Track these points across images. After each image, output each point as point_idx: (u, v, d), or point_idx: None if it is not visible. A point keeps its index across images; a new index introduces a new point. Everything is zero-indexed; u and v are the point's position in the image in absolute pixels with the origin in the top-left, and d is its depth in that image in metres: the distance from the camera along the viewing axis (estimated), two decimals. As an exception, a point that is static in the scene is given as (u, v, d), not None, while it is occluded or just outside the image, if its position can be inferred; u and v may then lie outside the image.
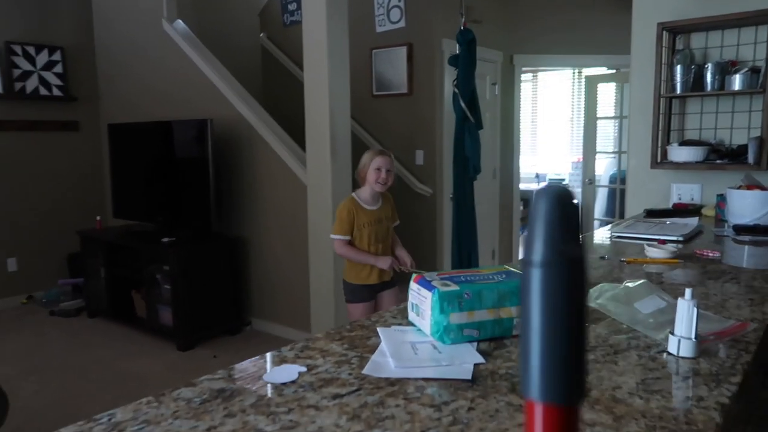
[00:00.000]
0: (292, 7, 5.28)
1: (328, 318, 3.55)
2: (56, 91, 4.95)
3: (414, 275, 1.12)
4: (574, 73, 7.66)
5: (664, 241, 1.85)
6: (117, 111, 5.04)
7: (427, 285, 1.06)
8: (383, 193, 2.72)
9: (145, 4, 4.64)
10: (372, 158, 2.64)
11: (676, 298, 0.99)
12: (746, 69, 2.42)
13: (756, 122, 2.47)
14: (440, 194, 4.47)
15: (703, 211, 2.53)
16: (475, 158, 3.65)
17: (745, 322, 1.11)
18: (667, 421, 0.75)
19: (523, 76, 6.15)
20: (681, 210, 2.56)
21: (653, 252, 1.70)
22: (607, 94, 5.66)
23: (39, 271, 4.88)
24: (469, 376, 0.88)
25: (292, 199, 3.82)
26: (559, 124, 7.78)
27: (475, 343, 1.02)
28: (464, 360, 0.95)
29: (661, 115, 2.63)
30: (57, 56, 4.94)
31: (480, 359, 0.95)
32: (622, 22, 3.05)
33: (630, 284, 1.22)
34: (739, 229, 2.11)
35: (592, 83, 5.59)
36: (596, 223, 5.70)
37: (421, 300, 1.06)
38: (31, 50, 4.79)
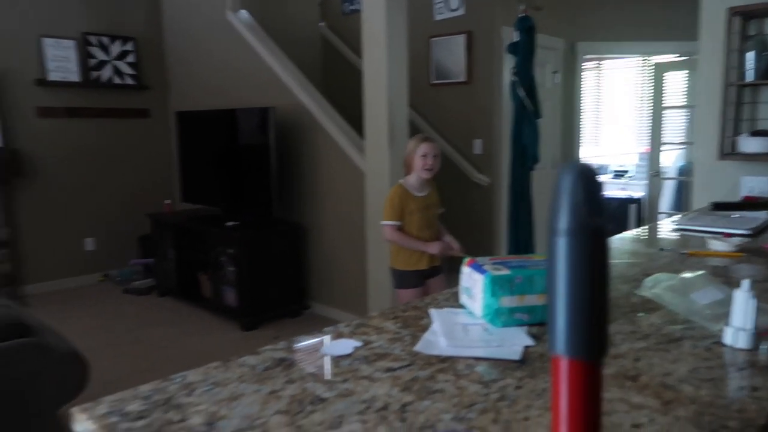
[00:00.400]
0: (352, -4, 5.34)
1: (385, 303, 3.61)
2: (129, 80, 5.20)
3: (466, 259, 1.15)
4: (642, 60, 7.38)
5: (729, 235, 1.80)
6: (184, 99, 5.26)
7: (479, 269, 1.08)
8: (430, 181, 2.75)
9: (212, -4, 4.80)
10: (417, 145, 2.66)
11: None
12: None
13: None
14: (498, 184, 4.44)
15: (775, 204, 2.42)
16: (533, 148, 3.61)
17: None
18: (717, 408, 0.75)
19: (586, 64, 5.99)
20: (750, 203, 2.46)
21: (716, 245, 1.65)
22: (676, 83, 5.44)
23: (113, 251, 5.18)
24: (518, 357, 0.91)
25: (351, 186, 3.89)
26: (625, 113, 7.53)
27: (526, 327, 1.04)
28: (514, 342, 0.97)
29: (730, 104, 2.53)
30: (129, 46, 5.18)
31: (530, 342, 0.97)
32: (692, 6, 2.94)
33: (687, 275, 1.21)
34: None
35: (659, 71, 5.38)
36: (662, 216, 5.51)
37: (473, 283, 1.09)
38: (106, 41, 5.05)
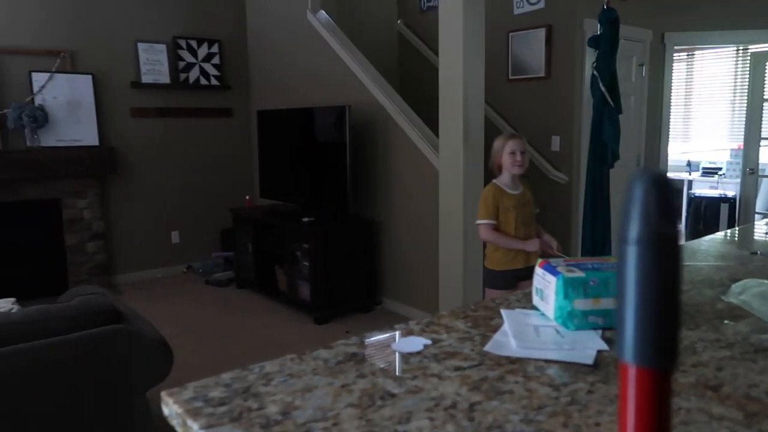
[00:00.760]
0: (429, -8, 5.33)
1: (456, 302, 3.60)
2: (214, 81, 5.44)
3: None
4: (737, 50, 6.92)
5: (831, 238, 1.66)
6: (265, 98, 5.44)
7: (552, 270, 1.07)
8: (522, 179, 2.71)
9: (292, -2, 4.94)
10: (504, 143, 2.64)
11: (833, 298, 0.91)
12: None
13: None
14: (576, 182, 4.31)
15: None
16: (613, 144, 3.48)
17: None
18: (808, 424, 0.70)
19: (676, 56, 5.68)
20: None
21: (816, 249, 1.54)
22: (776, 74, 5.06)
23: (197, 244, 5.45)
24: (590, 361, 0.89)
25: (424, 183, 3.90)
26: (717, 107, 7.08)
27: (600, 331, 1.01)
28: (587, 346, 0.95)
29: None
30: (215, 49, 5.42)
31: (603, 346, 0.95)
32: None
33: (780, 281, 1.14)
34: None
35: (758, 61, 5.03)
36: (758, 217, 5.16)
37: (546, 285, 1.07)
38: (194, 44, 5.31)
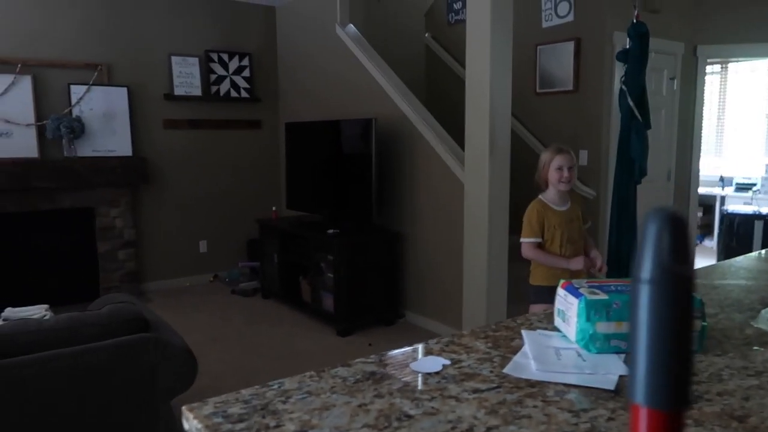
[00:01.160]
0: (457, 6, 5.35)
1: (480, 317, 3.57)
2: (244, 93, 5.53)
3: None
4: (773, 63, 6.77)
5: None
6: (293, 110, 5.51)
7: (574, 292, 1.06)
8: (570, 194, 2.62)
9: (321, 12, 5.01)
10: (552, 158, 2.53)
11: None
12: None
13: None
14: (604, 197, 4.26)
15: None
16: (641, 160, 3.43)
17: None
18: (837, 460, 0.68)
19: (709, 68, 5.59)
20: None
21: None
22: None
23: (223, 253, 5.52)
24: (612, 387, 0.88)
25: (449, 196, 3.89)
26: (752, 121, 6.93)
27: (623, 355, 1.00)
28: (609, 370, 0.94)
29: None
30: (245, 62, 5.52)
31: (625, 371, 0.93)
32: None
33: (812, 307, 1.10)
34: None
35: (794, 75, 4.91)
36: (792, 234, 5.02)
37: (568, 306, 1.06)
38: (225, 57, 5.41)
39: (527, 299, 2.67)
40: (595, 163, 4.30)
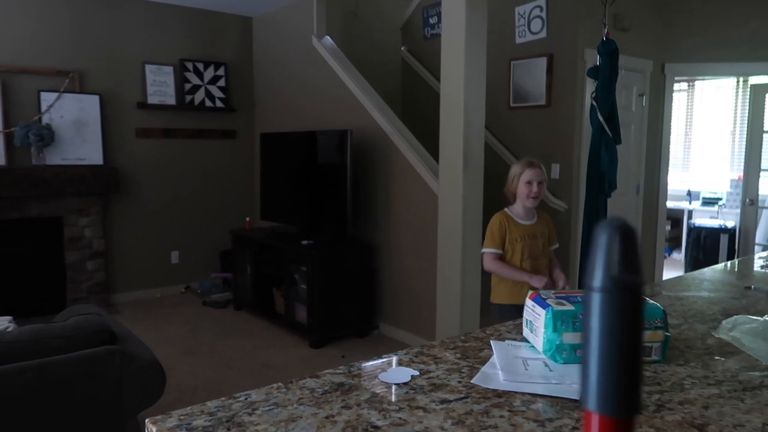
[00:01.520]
0: (433, 20, 5.41)
1: (454, 328, 3.58)
2: (219, 103, 5.50)
3: (530, 292, 1.14)
4: (738, 81, 7.00)
5: (826, 274, 1.66)
6: (269, 121, 5.49)
7: (542, 303, 1.07)
8: (540, 211, 2.58)
9: (298, 23, 5.02)
10: (522, 171, 2.48)
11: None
12: None
13: None
14: (575, 210, 4.32)
15: None
16: (611, 174, 3.49)
17: None
18: (792, 466, 0.70)
19: (676, 86, 5.74)
20: None
21: (810, 285, 1.53)
22: (776, 106, 5.10)
23: (196, 264, 5.45)
24: (578, 396, 0.89)
25: (423, 208, 3.91)
26: (718, 138, 7.13)
27: (589, 365, 1.01)
28: (575, 380, 0.95)
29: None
30: (221, 71, 5.49)
31: (591, 381, 0.94)
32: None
33: (771, 318, 1.13)
34: None
35: (758, 93, 5.07)
36: (758, 248, 5.16)
37: (536, 317, 1.07)
38: (200, 66, 5.38)
39: (492, 318, 2.57)
40: (567, 177, 4.37)
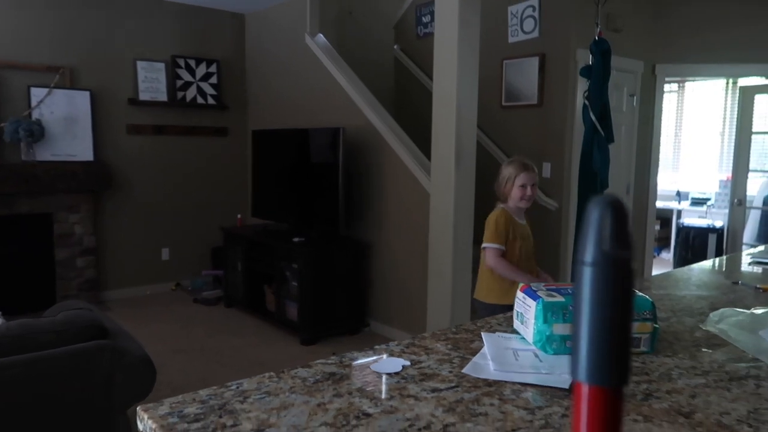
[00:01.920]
0: (426, 19, 5.42)
1: (444, 326, 3.59)
2: (210, 100, 5.48)
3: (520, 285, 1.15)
4: (727, 82, 7.06)
5: (812, 270, 1.69)
6: (261, 118, 5.48)
7: (532, 294, 1.08)
8: (524, 212, 2.58)
9: (291, 21, 5.01)
10: (517, 174, 2.45)
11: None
12: None
13: None
14: (566, 208, 4.35)
15: None
16: (603, 173, 3.52)
17: None
18: (776, 452, 0.71)
19: (667, 87, 5.78)
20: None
21: (796, 280, 1.56)
22: (766, 107, 5.17)
23: (186, 261, 5.43)
24: (567, 386, 0.90)
25: (416, 206, 3.92)
26: (707, 138, 7.20)
27: (578, 356, 1.02)
28: (564, 370, 0.96)
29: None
30: (213, 68, 5.47)
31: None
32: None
33: (758, 311, 1.15)
34: None
35: (747, 94, 5.13)
36: (745, 247, 5.21)
37: (526, 309, 1.08)
38: (192, 63, 5.36)
39: (477, 316, 2.48)
40: (558, 176, 4.39)
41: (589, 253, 0.36)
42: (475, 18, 3.50)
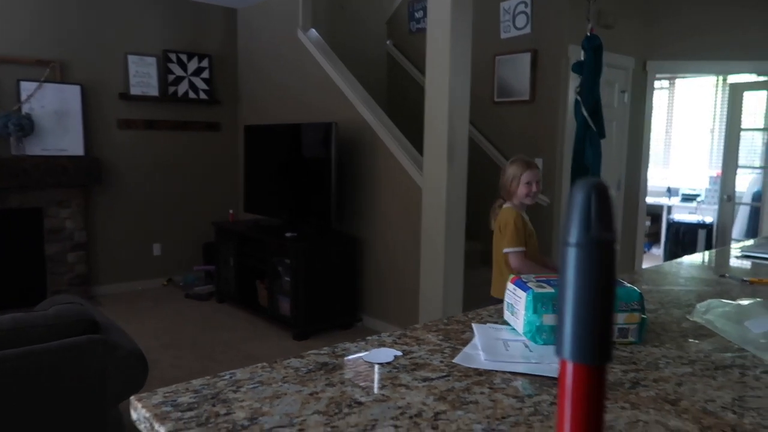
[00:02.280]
0: (418, 14, 5.42)
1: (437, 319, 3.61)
2: (203, 95, 5.46)
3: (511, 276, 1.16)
4: (717, 79, 7.11)
5: (798, 263, 1.71)
6: (253, 113, 5.47)
7: (522, 286, 1.09)
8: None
9: (283, 15, 5.00)
10: (522, 172, 2.52)
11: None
12: None
13: None
14: (558, 204, 4.37)
15: None
16: (595, 168, 3.54)
17: None
18: (759, 437, 0.73)
19: (658, 83, 5.82)
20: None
21: (782, 273, 1.58)
22: (755, 104, 5.21)
23: (178, 257, 5.42)
24: (556, 375, 0.91)
25: (408, 201, 3.93)
26: (698, 135, 7.25)
27: (568, 346, 1.03)
28: (554, 360, 0.97)
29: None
30: (205, 63, 5.45)
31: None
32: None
33: (743, 302, 1.17)
34: None
35: (737, 91, 5.17)
36: (733, 243, 5.26)
37: (516, 300, 1.10)
38: (184, 57, 5.33)
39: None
40: (551, 171, 4.41)
41: (573, 235, 0.37)
42: (467, 14, 3.50)
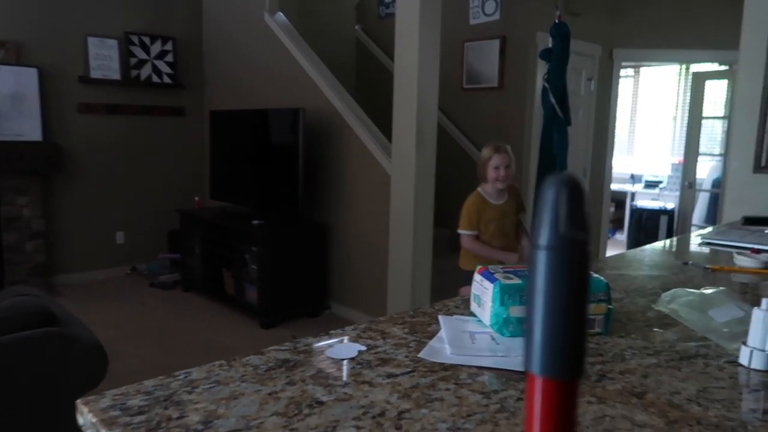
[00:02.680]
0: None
1: (404, 307, 3.60)
2: (166, 79, 5.31)
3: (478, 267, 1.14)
4: (681, 68, 7.23)
5: (758, 251, 1.74)
6: (219, 98, 5.35)
7: (489, 277, 1.07)
8: (509, 186, 2.74)
9: (248, -2, 4.88)
10: (490, 156, 2.64)
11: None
12: None
13: None
14: (526, 190, 4.39)
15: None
16: (562, 155, 3.56)
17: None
18: (723, 429, 0.73)
19: (623, 71, 5.88)
20: (785, 219, 2.38)
21: (743, 261, 1.60)
22: (716, 93, 5.31)
23: (142, 245, 5.29)
24: (523, 368, 0.89)
25: (377, 188, 3.90)
26: (661, 123, 7.38)
27: (534, 338, 1.02)
28: (520, 353, 0.96)
29: (768, 116, 2.45)
30: (169, 46, 5.30)
31: (536, 353, 0.96)
32: (736, 14, 2.85)
33: (707, 291, 1.17)
34: None
35: (699, 80, 5.26)
36: (694, 229, 5.38)
37: (483, 291, 1.08)
38: (147, 40, 5.17)
39: (458, 283, 2.76)
40: (518, 158, 4.40)
41: (543, 237, 0.34)
42: (436, -1, 3.46)
